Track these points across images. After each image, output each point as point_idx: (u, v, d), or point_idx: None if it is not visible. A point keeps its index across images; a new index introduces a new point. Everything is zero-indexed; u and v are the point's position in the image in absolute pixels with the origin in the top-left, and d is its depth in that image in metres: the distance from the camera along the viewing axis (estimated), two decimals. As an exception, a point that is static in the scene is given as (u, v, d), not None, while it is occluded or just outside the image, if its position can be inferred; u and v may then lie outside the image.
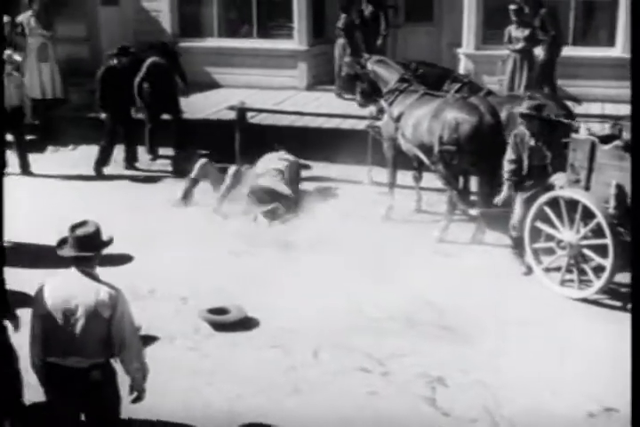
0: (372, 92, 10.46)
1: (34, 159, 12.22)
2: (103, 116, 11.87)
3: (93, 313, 4.84)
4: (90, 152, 12.82)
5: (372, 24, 14.06)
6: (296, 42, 14.75)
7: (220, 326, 7.50)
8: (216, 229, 9.79)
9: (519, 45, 12.57)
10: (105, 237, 5.09)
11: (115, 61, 11.87)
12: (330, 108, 13.30)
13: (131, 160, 12.23)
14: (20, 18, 13.69)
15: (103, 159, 11.99)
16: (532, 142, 8.31)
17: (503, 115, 9.23)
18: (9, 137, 11.98)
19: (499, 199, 8.58)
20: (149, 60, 12.32)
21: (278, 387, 6.52)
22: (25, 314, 5.35)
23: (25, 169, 11.98)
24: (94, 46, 15.78)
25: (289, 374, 6.71)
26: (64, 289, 4.92)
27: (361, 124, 11.91)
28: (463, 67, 13.47)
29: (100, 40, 15.72)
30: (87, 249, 4.94)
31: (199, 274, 8.48)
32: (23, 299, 6.00)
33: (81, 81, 14.28)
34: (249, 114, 12.40)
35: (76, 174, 11.91)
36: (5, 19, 13.25)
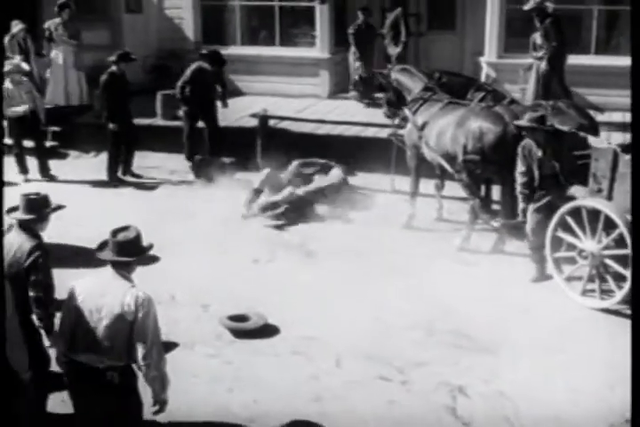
0: (397, 102, 10.44)
1: (55, 166, 12.32)
2: (112, 125, 11.78)
3: (117, 314, 4.86)
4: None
5: (392, 32, 14.08)
6: (318, 50, 14.79)
7: (240, 333, 7.51)
8: (238, 236, 9.82)
9: (541, 53, 12.49)
10: (145, 243, 5.14)
11: (115, 68, 11.81)
12: (351, 115, 13.32)
13: (129, 167, 12.18)
14: (48, 24, 13.74)
15: (114, 167, 11.98)
16: (540, 153, 8.27)
17: None
18: (28, 143, 12.09)
19: (518, 211, 8.58)
20: (195, 65, 12.26)
21: (299, 395, 6.51)
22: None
23: (45, 173, 12.08)
24: (118, 53, 15.89)
25: (310, 382, 6.71)
26: (94, 288, 4.98)
27: (382, 133, 11.93)
28: (484, 75, 13.44)
29: (123, 47, 15.78)
30: (126, 254, 4.99)
31: (220, 280, 8.51)
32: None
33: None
34: (271, 121, 12.46)
35: (98, 180, 11.98)
36: (19, 26, 13.30)
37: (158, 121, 13.26)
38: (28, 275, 5.61)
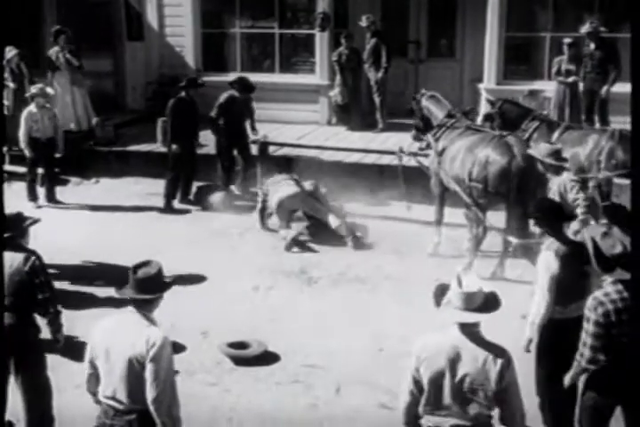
0: (424, 128, 10.40)
1: (57, 192, 12.32)
2: (174, 147, 11.80)
3: (129, 359, 4.68)
4: (112, 186, 13.00)
5: (372, 57, 14.13)
6: (317, 77, 14.87)
7: (240, 361, 7.48)
8: (238, 263, 9.81)
9: (572, 78, 12.47)
10: (168, 278, 4.95)
11: (183, 93, 11.83)
12: (351, 142, 13.37)
13: (187, 194, 12.17)
14: (50, 53, 13.85)
15: (172, 193, 11.94)
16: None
17: (589, 146, 9.11)
18: (39, 170, 12.12)
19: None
20: (226, 94, 12.16)
21: (299, 423, 6.49)
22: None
23: (51, 198, 12.10)
24: (119, 80, 15.99)
25: (310, 410, 6.68)
26: (112, 328, 4.82)
27: (383, 159, 11.98)
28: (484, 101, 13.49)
29: (125, 74, 15.92)
30: (147, 291, 4.80)
31: (220, 307, 8.49)
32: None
33: (105, 115, 14.43)
34: (271, 148, 12.49)
35: (99, 206, 12.00)
36: (13, 51, 13.22)
37: (159, 148, 13.29)
38: (31, 279, 5.87)
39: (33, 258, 5.93)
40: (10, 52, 13.23)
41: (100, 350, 4.80)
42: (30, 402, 6.05)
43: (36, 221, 6.20)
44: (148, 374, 4.66)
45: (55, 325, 6.06)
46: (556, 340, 5.94)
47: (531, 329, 5.99)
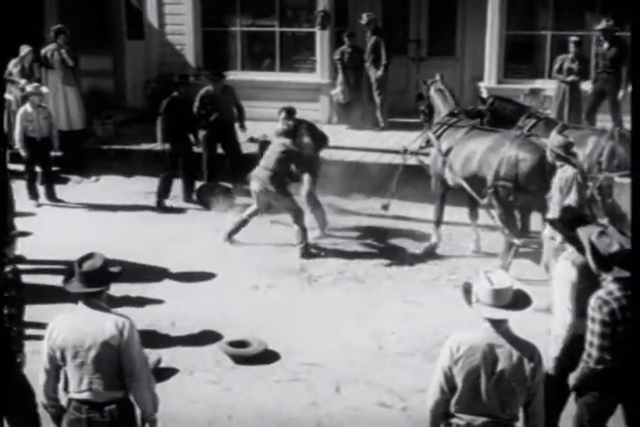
0: (430, 114, 10.43)
1: (57, 191, 12.31)
2: (165, 146, 11.82)
3: (102, 342, 4.73)
4: (112, 184, 12.99)
5: (372, 55, 14.10)
6: (318, 75, 14.86)
7: (240, 359, 7.48)
8: (239, 261, 9.80)
9: (570, 78, 12.40)
10: (113, 268, 4.96)
11: (176, 93, 11.80)
12: (353, 141, 13.35)
13: (190, 193, 12.17)
14: (45, 50, 13.70)
15: (164, 191, 11.92)
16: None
17: (589, 147, 9.14)
18: (37, 168, 12.12)
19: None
20: (203, 90, 12.18)
21: (299, 421, 6.48)
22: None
23: (52, 197, 12.09)
24: (119, 79, 15.99)
25: (310, 409, 6.68)
26: (72, 325, 4.82)
27: (383, 158, 11.96)
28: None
29: (125, 73, 15.92)
30: (95, 284, 4.82)
31: (220, 306, 8.49)
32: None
33: (105, 113, 14.42)
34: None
35: (99, 204, 12.01)
36: (25, 49, 13.28)
37: (158, 146, 13.25)
38: (2, 291, 5.54)
39: (8, 269, 5.54)
40: (24, 49, 13.25)
41: (66, 347, 4.79)
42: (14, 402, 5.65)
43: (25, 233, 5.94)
44: (125, 356, 4.76)
45: (17, 344, 5.61)
46: (574, 355, 5.37)
47: (555, 345, 5.52)
